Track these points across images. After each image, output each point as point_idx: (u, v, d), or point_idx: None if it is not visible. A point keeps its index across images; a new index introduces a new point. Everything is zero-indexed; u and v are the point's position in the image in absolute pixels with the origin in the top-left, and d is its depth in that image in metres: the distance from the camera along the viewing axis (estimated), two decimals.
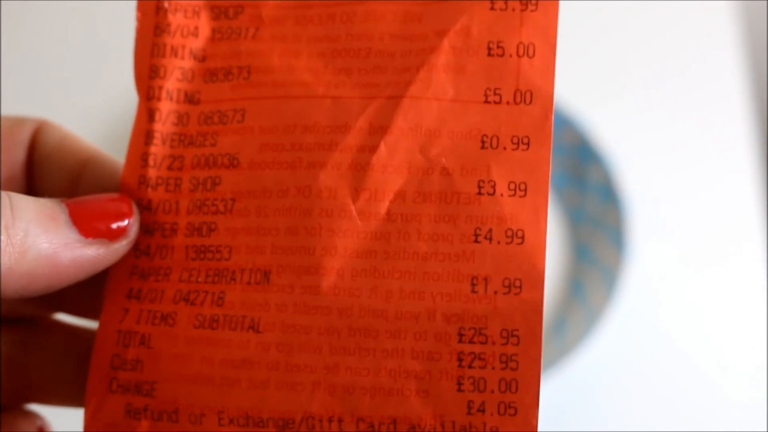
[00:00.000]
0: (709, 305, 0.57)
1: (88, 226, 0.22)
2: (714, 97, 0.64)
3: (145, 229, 0.24)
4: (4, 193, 0.21)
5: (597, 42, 0.66)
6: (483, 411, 0.22)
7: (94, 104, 0.60)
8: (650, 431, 0.53)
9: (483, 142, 0.23)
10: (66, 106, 0.61)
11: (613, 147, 0.57)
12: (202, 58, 0.25)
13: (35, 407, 0.27)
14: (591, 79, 0.64)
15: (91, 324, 0.25)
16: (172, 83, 0.25)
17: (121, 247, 0.23)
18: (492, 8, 0.23)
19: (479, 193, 0.22)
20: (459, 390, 0.22)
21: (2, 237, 0.20)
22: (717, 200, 0.60)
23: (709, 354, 0.55)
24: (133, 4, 0.25)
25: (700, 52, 0.66)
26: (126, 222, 0.23)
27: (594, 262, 0.57)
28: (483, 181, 0.22)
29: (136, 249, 0.24)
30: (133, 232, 0.23)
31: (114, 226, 0.23)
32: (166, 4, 0.25)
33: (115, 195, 0.24)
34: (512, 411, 0.21)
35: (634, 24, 0.67)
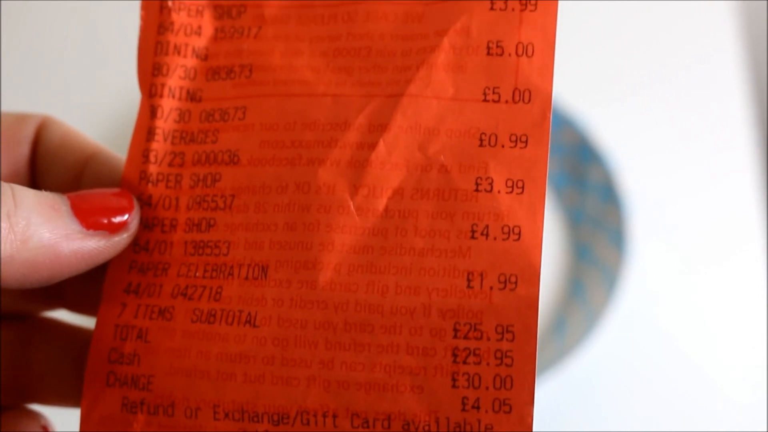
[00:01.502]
0: (709, 305, 0.57)
1: (89, 218, 0.22)
2: (714, 97, 0.64)
3: (145, 224, 0.24)
4: (5, 184, 0.21)
5: (597, 42, 0.66)
6: (477, 408, 0.21)
7: (93, 104, 0.61)
8: (650, 431, 0.53)
9: (481, 140, 0.23)
10: (66, 105, 0.61)
11: (613, 147, 0.57)
12: (204, 56, 0.25)
13: (37, 407, 0.27)
14: (591, 79, 0.64)
15: (90, 323, 0.25)
16: (174, 81, 0.25)
17: (122, 240, 0.23)
18: (492, 8, 0.23)
19: (477, 190, 0.22)
20: (453, 386, 0.22)
21: (4, 225, 0.20)
22: (717, 200, 0.60)
23: (709, 354, 0.55)
24: (134, 4, 0.25)
25: (700, 52, 0.66)
26: (126, 216, 0.23)
27: (594, 262, 0.57)
28: (481, 178, 0.22)
29: (135, 244, 0.24)
30: (133, 226, 0.24)
31: (115, 219, 0.23)
32: (170, 3, 0.25)
33: (116, 189, 0.24)
34: (507, 408, 0.21)
35: (634, 24, 0.68)
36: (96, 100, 0.61)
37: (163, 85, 0.25)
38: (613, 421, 0.53)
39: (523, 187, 0.22)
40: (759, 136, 0.66)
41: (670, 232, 0.59)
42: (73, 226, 0.22)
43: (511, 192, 0.22)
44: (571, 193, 0.60)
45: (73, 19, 0.67)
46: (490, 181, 0.22)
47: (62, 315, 0.28)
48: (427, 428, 0.22)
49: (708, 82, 0.65)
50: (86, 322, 0.26)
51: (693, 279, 0.58)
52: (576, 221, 0.59)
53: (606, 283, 0.54)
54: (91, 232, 0.22)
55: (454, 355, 0.22)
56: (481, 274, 0.22)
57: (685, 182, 0.61)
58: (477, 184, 0.22)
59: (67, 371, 0.26)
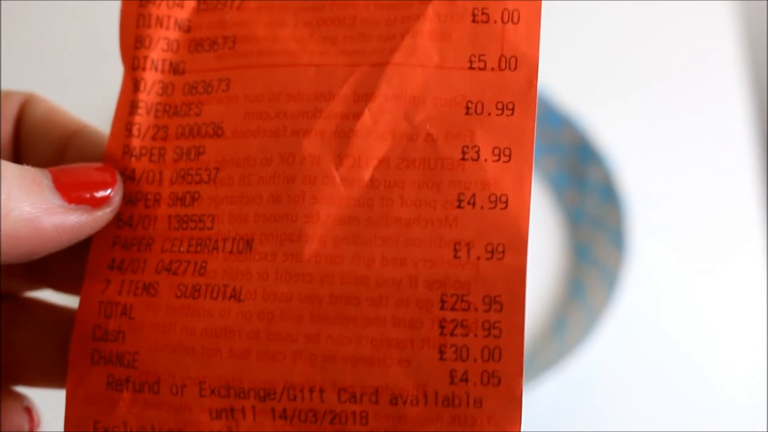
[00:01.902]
0: (709, 305, 0.57)
1: (71, 192, 0.22)
2: (714, 97, 0.64)
3: (128, 199, 0.24)
4: None
5: (597, 42, 0.66)
6: (466, 380, 0.21)
7: (93, 104, 0.60)
8: (650, 431, 0.52)
9: (468, 108, 0.22)
10: (65, 105, 0.61)
11: (613, 147, 0.57)
12: (187, 28, 0.25)
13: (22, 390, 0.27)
14: (591, 78, 0.64)
15: (74, 303, 0.25)
16: (157, 53, 0.24)
17: (104, 215, 0.23)
18: None
19: (463, 159, 0.22)
20: (441, 359, 0.21)
21: None
22: (717, 200, 0.60)
23: (709, 354, 0.55)
24: None
25: (700, 51, 0.66)
26: (109, 191, 0.23)
27: (594, 262, 0.56)
28: (467, 147, 0.22)
29: (118, 219, 0.24)
30: (116, 200, 0.23)
31: (97, 194, 0.23)
32: None
33: (98, 164, 0.24)
34: (495, 380, 0.21)
35: (634, 24, 0.68)
36: (96, 100, 0.61)
37: (145, 58, 0.24)
38: (613, 421, 0.53)
39: (510, 155, 0.22)
40: (759, 136, 0.65)
41: (670, 232, 0.59)
42: (54, 200, 0.22)
43: (498, 160, 0.22)
44: (571, 193, 0.59)
45: (73, 19, 0.67)
46: (476, 149, 0.22)
47: (46, 295, 0.27)
48: (415, 402, 0.21)
49: (708, 82, 0.65)
50: (71, 302, 0.26)
51: (693, 279, 0.58)
52: (576, 221, 0.59)
53: (606, 283, 0.53)
54: (72, 206, 0.22)
55: (441, 327, 0.21)
56: (468, 244, 0.22)
57: (685, 182, 0.61)
58: (463, 153, 0.22)
59: (52, 351, 0.26)
